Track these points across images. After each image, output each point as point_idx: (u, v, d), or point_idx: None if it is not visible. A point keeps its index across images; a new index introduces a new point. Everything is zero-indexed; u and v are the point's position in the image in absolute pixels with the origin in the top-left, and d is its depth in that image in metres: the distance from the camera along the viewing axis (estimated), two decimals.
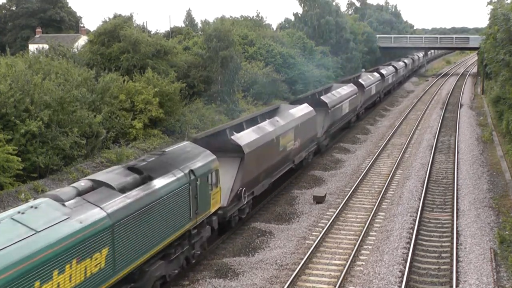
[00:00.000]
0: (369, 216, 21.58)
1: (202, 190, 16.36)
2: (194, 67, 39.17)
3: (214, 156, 17.65)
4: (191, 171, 15.79)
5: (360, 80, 46.98)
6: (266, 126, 23.63)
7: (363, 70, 70.98)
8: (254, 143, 21.24)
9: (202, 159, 17.05)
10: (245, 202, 20.31)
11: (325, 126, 32.46)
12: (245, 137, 21.06)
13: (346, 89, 39.63)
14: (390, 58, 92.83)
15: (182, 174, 15.41)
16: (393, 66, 67.16)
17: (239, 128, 23.58)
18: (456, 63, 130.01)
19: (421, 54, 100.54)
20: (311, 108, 29.87)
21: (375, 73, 54.94)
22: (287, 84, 50.43)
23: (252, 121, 25.35)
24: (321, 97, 33.70)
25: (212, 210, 17.35)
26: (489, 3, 30.99)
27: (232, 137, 20.54)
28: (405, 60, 79.43)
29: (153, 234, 13.73)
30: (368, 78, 49.95)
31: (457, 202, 23.27)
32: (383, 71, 58.05)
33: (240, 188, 19.78)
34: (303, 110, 29.03)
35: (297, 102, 31.82)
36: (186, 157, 16.55)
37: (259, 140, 21.80)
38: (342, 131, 39.73)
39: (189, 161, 16.26)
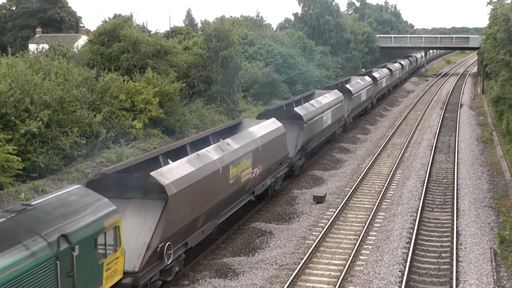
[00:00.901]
0: (369, 216, 21.58)
1: (84, 262, 11.36)
2: (194, 67, 39.18)
3: (113, 207, 12.69)
4: (63, 236, 10.90)
5: (347, 85, 42.33)
6: (210, 152, 18.15)
7: (363, 70, 71.00)
8: (186, 179, 15.80)
9: (91, 213, 12.00)
10: (168, 262, 14.85)
11: (299, 144, 27.19)
12: (173, 172, 15.64)
13: (328, 97, 34.62)
14: (390, 58, 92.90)
15: (44, 244, 10.45)
16: (388, 68, 62.94)
17: (180, 154, 18.44)
18: (456, 63, 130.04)
19: (419, 55, 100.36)
20: (279, 124, 24.70)
21: (366, 77, 50.40)
22: (287, 84, 50.44)
23: (202, 142, 20.30)
24: (295, 109, 28.38)
25: (107, 286, 12.23)
26: (489, 3, 31.01)
27: (152, 173, 15.01)
28: (402, 62, 76.44)
29: None
30: (358, 83, 45.02)
31: (457, 202, 23.26)
32: (376, 74, 54.30)
33: (161, 244, 14.41)
34: (268, 127, 23.60)
35: (266, 115, 26.60)
36: (63, 213, 11.50)
37: (194, 174, 16.35)
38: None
39: (64, 220, 11.28)
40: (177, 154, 18.23)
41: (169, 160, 17.33)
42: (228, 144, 19.51)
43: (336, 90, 37.55)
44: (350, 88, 41.01)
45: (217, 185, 17.87)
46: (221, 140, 19.91)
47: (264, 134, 22.58)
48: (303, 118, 27.62)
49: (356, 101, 41.82)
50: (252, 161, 20.77)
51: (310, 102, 31.52)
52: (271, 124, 24.17)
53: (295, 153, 26.70)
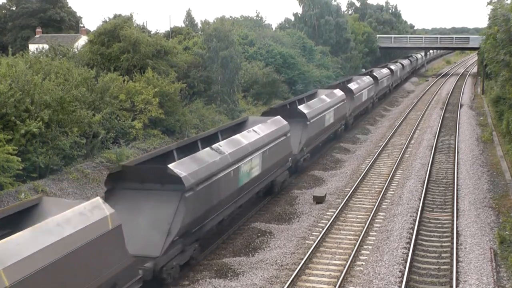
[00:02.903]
0: (369, 216, 21.58)
1: None
2: (194, 67, 39.16)
3: None
4: None
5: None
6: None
7: (363, 70, 71.01)
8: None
9: None
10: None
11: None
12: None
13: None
14: (391, 58, 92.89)
15: None
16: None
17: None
18: (456, 63, 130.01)
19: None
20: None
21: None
22: (287, 84, 50.42)
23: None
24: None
25: None
26: (489, 3, 30.98)
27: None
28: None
29: None
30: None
31: (457, 202, 23.27)
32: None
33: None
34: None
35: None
36: None
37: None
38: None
39: None
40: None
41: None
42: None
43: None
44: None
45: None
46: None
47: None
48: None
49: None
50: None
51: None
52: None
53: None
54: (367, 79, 49.24)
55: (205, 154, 17.86)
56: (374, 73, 54.29)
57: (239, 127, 24.05)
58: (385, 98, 60.31)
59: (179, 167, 15.98)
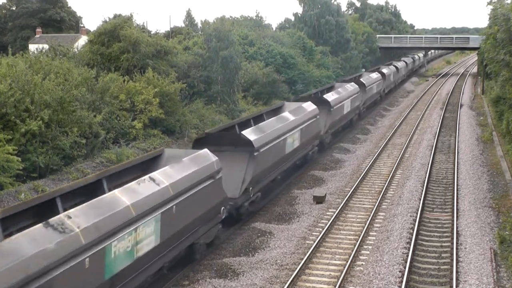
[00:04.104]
0: (369, 216, 21.57)
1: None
2: (194, 67, 39.17)
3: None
4: None
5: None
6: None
7: (363, 70, 71.01)
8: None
9: None
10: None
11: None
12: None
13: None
14: (391, 58, 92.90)
15: None
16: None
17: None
18: (456, 63, 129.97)
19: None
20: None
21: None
22: (287, 84, 50.42)
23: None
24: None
25: None
26: (489, 3, 31.00)
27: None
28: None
29: None
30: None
31: (457, 202, 23.26)
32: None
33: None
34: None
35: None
36: None
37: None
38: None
39: None
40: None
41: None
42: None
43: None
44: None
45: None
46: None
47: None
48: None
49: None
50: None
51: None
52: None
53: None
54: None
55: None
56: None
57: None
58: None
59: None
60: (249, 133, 21.26)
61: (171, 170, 15.68)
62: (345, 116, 38.17)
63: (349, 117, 40.27)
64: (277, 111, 28.60)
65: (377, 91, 52.17)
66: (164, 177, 15.12)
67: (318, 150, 31.53)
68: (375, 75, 53.40)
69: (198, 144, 20.33)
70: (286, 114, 26.57)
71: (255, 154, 20.71)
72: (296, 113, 27.14)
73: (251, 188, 20.89)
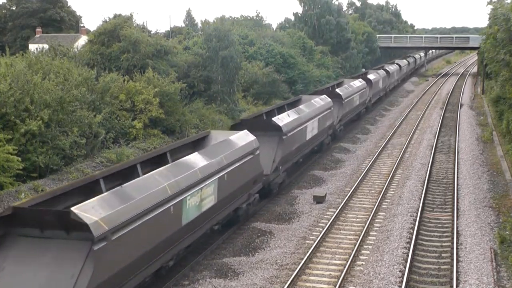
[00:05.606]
0: (369, 216, 21.57)
1: None
2: (194, 67, 39.14)
3: None
4: None
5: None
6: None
7: (363, 70, 71.01)
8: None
9: None
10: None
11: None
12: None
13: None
14: (391, 58, 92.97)
15: None
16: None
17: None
18: (456, 63, 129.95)
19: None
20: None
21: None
22: (287, 84, 50.40)
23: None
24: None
25: None
26: (489, 3, 31.03)
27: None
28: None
29: None
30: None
31: (457, 202, 23.26)
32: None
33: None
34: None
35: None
36: None
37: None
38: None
39: None
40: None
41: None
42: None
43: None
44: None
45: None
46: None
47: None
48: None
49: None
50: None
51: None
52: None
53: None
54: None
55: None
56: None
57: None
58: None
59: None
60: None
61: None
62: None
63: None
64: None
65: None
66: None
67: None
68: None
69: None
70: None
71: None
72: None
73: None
